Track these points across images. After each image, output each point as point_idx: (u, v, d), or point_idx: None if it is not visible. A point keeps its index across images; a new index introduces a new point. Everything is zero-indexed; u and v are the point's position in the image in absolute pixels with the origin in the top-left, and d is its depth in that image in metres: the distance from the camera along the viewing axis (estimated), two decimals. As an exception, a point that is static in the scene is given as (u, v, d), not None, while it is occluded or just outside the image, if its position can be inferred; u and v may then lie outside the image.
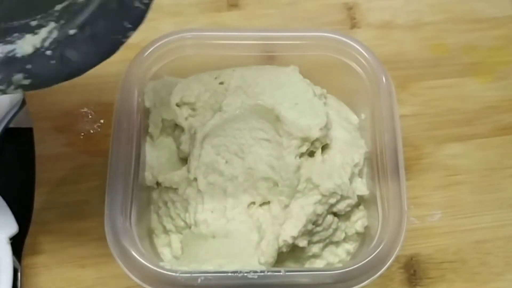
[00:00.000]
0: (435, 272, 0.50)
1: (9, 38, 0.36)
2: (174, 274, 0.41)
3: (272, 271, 0.42)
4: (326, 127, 0.48)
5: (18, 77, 0.36)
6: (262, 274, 0.41)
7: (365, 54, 0.50)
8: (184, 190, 0.46)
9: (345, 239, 0.48)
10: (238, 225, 0.45)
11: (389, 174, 0.45)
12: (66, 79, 0.36)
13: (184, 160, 0.48)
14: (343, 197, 0.46)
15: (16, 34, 0.36)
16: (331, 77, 0.51)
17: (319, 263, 0.47)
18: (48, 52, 0.35)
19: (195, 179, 0.46)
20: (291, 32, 0.52)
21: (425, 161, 0.55)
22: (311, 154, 0.48)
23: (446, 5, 0.63)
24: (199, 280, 0.41)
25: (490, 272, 0.50)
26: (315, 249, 0.46)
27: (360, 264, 0.42)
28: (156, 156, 0.49)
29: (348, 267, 0.42)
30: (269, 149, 0.46)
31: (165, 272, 0.41)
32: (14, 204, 0.49)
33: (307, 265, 0.47)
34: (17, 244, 0.49)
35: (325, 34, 0.51)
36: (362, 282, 0.42)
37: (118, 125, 0.47)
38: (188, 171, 0.46)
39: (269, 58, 0.52)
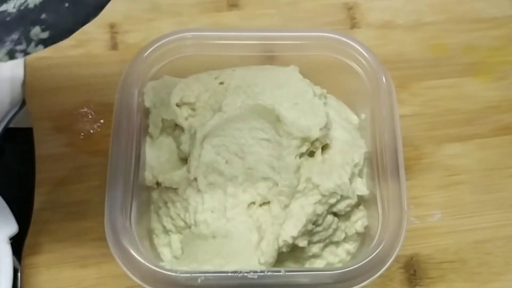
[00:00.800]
0: (435, 272, 0.50)
1: None
2: (174, 274, 0.41)
3: (272, 271, 0.41)
4: (326, 127, 0.47)
5: (35, 31, 0.35)
6: (262, 274, 0.41)
7: (365, 54, 0.50)
8: (184, 190, 0.46)
9: (345, 239, 0.48)
10: (238, 225, 0.45)
11: (389, 174, 0.45)
12: (83, 23, 0.35)
13: (184, 160, 0.48)
14: (343, 197, 0.46)
15: None
16: (331, 77, 0.51)
17: (319, 263, 0.47)
18: None
19: (195, 179, 0.46)
20: (291, 32, 0.52)
21: (425, 161, 0.55)
22: (311, 154, 0.48)
23: (446, 5, 0.63)
24: (199, 280, 0.41)
25: (490, 272, 0.50)
26: (315, 249, 0.46)
27: (360, 264, 0.42)
28: (156, 156, 0.49)
29: (348, 267, 0.42)
30: (269, 149, 0.46)
31: (165, 272, 0.41)
32: (14, 204, 0.49)
33: (307, 265, 0.47)
34: (17, 244, 0.49)
35: (325, 34, 0.51)
36: (362, 282, 0.42)
37: (118, 125, 0.47)
38: (188, 171, 0.46)
39: (269, 58, 0.52)
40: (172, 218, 0.47)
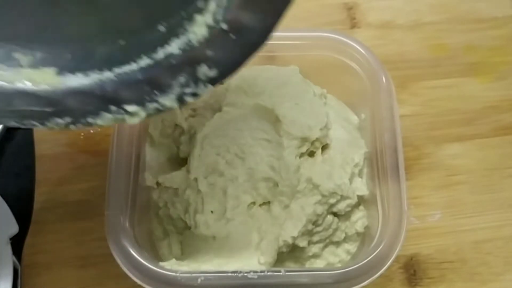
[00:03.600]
0: (435, 272, 0.50)
1: (180, 29, 0.32)
2: (174, 274, 0.41)
3: (272, 271, 0.41)
4: (326, 127, 0.47)
5: (202, 69, 0.32)
6: (262, 274, 0.41)
7: (365, 54, 0.50)
8: (184, 190, 0.46)
9: (345, 239, 0.48)
10: (238, 226, 0.45)
11: (389, 174, 0.45)
12: (250, 53, 0.31)
13: (184, 160, 0.48)
14: (343, 197, 0.46)
15: (185, 21, 0.32)
16: (331, 77, 0.51)
17: (319, 263, 0.47)
18: (224, 26, 0.31)
19: (195, 180, 0.46)
20: (291, 32, 0.52)
21: (425, 161, 0.55)
22: (311, 154, 0.48)
23: (446, 5, 0.63)
24: (199, 280, 0.41)
25: (490, 272, 0.50)
26: (315, 249, 0.46)
27: (360, 264, 0.42)
28: (156, 156, 0.49)
29: (348, 267, 0.42)
30: (269, 150, 0.46)
31: (165, 272, 0.41)
32: (14, 204, 0.49)
33: (307, 265, 0.47)
34: (17, 244, 0.49)
35: (325, 34, 0.51)
36: (362, 282, 0.42)
37: (118, 125, 0.47)
38: (188, 171, 0.46)
39: (269, 58, 0.52)
40: (172, 219, 0.47)
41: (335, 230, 0.47)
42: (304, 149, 0.47)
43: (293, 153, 0.46)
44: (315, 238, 0.46)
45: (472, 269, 0.50)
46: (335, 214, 0.47)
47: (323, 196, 0.46)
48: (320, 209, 0.46)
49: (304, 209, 0.45)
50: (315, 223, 0.46)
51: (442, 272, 0.50)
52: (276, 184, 0.45)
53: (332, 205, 0.46)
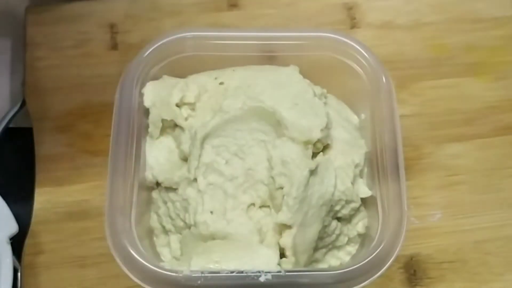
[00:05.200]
0: (435, 272, 0.50)
1: None
2: (174, 274, 0.41)
3: (272, 272, 0.41)
4: (327, 127, 0.47)
5: None
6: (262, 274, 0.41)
7: (365, 54, 0.50)
8: (184, 190, 0.46)
9: (347, 242, 0.47)
10: (237, 227, 0.44)
11: (389, 174, 0.45)
12: None
13: (184, 160, 0.48)
14: (347, 202, 0.46)
15: None
16: (331, 77, 0.51)
17: (320, 266, 0.47)
18: None
19: (195, 179, 0.46)
20: (291, 32, 0.52)
21: (425, 161, 0.55)
22: (314, 156, 0.47)
23: (446, 5, 0.63)
24: (199, 281, 0.41)
25: (490, 272, 0.50)
26: (317, 255, 0.46)
27: (360, 264, 0.41)
28: (156, 156, 0.49)
29: (349, 268, 0.41)
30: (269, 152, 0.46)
31: (165, 272, 0.41)
32: (14, 204, 0.49)
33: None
34: (17, 244, 0.49)
35: (325, 34, 0.51)
36: (363, 282, 0.42)
37: (118, 125, 0.47)
38: (188, 171, 0.46)
39: (269, 58, 0.52)
40: (171, 218, 0.47)
41: (338, 235, 0.47)
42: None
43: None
44: (319, 244, 0.46)
45: (472, 269, 0.50)
46: (338, 219, 0.47)
47: (331, 206, 0.45)
48: (327, 220, 0.45)
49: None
50: (319, 232, 0.45)
51: (442, 272, 0.50)
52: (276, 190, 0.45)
53: (337, 211, 0.46)
